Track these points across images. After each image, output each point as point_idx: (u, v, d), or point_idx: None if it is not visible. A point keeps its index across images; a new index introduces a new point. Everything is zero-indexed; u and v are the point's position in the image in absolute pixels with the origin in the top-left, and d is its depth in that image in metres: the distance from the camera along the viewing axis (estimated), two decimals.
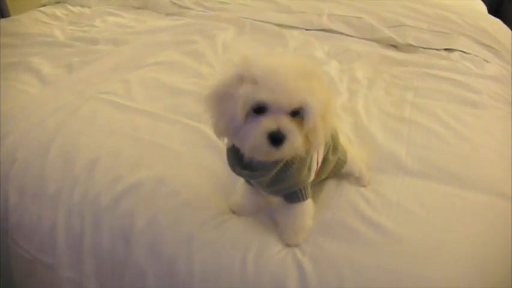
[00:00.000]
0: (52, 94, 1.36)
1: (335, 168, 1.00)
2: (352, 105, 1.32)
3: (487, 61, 1.63)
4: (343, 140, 1.02)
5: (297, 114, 0.75)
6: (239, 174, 0.87)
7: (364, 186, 1.02)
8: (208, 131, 1.17)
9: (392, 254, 0.87)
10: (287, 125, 0.74)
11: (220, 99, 0.78)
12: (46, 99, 1.33)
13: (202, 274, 0.88)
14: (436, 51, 1.68)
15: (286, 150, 0.75)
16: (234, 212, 0.97)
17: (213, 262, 0.89)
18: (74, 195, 1.03)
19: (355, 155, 1.04)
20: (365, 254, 0.87)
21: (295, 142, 0.75)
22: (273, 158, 0.80)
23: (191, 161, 1.08)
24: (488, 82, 1.48)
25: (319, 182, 1.00)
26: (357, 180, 1.03)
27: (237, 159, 0.85)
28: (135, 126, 1.20)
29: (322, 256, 0.87)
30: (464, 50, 1.66)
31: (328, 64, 1.55)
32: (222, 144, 0.88)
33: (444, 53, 1.66)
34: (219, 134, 0.81)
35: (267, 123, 0.74)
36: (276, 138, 0.73)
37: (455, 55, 1.64)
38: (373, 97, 1.36)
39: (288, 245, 0.90)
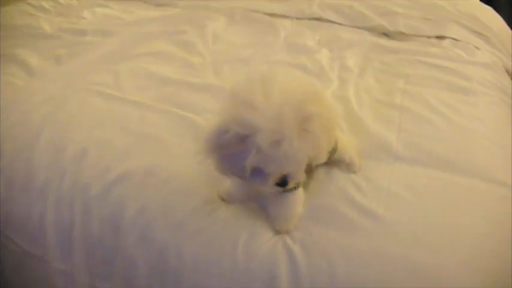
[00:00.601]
0: (39, 86, 1.34)
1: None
2: (343, 93, 1.31)
3: (478, 48, 1.63)
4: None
5: None
6: None
7: (354, 172, 1.01)
8: (198, 120, 1.16)
9: (383, 240, 0.86)
10: (291, 174, 0.79)
11: (222, 153, 0.78)
12: (33, 91, 1.31)
13: (192, 262, 0.88)
14: (427, 38, 1.67)
15: (293, 184, 0.82)
16: (224, 200, 0.96)
17: (204, 250, 0.88)
18: (63, 186, 1.02)
19: (346, 142, 1.03)
20: (356, 240, 0.87)
21: (299, 178, 0.82)
22: None
23: (181, 150, 1.08)
24: (479, 69, 1.48)
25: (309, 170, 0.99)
26: (348, 167, 1.02)
27: None
28: (124, 117, 1.19)
29: (313, 243, 0.87)
30: (456, 38, 1.66)
31: (319, 53, 1.54)
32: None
33: (435, 41, 1.66)
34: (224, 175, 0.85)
35: (272, 179, 0.78)
36: (283, 183, 0.79)
37: (446, 42, 1.64)
38: (364, 85, 1.36)
39: (278, 232, 0.90)
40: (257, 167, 0.76)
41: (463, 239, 0.87)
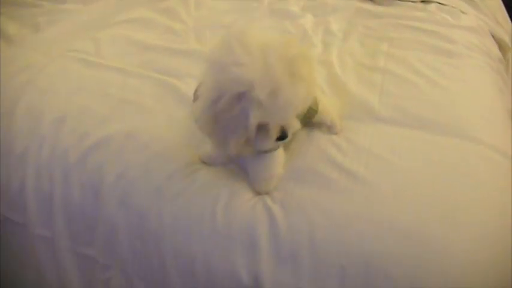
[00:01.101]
0: (18, 54, 1.31)
1: (306, 118, 0.98)
2: (326, 57, 1.29)
3: (463, 12, 1.60)
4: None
5: None
6: None
7: (335, 134, 1.01)
8: (179, 84, 1.15)
9: (364, 200, 0.87)
10: (290, 124, 0.80)
11: (220, 119, 0.77)
12: (11, 59, 1.28)
13: (172, 224, 0.88)
14: (412, 3, 1.64)
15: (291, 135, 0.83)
16: (204, 163, 0.96)
17: (183, 212, 0.88)
18: (42, 153, 1.02)
19: (327, 104, 1.02)
20: (336, 200, 0.87)
21: (296, 127, 0.82)
22: None
23: (161, 114, 1.07)
24: (464, 32, 1.46)
25: None
26: (329, 129, 1.02)
27: None
28: (104, 83, 1.17)
29: (293, 203, 0.87)
30: (441, 2, 1.63)
31: (303, 18, 1.51)
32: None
33: (420, 5, 1.63)
34: (226, 150, 0.82)
35: (274, 131, 0.79)
36: (283, 135, 0.81)
37: (431, 6, 1.61)
38: (348, 49, 1.34)
39: (258, 193, 0.90)
40: (260, 123, 0.75)
41: (445, 198, 0.88)
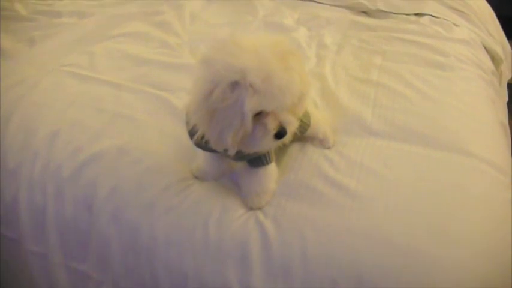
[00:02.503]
0: (12, 68, 1.32)
1: (298, 132, 0.98)
2: (320, 70, 1.30)
3: (456, 25, 1.62)
4: (307, 104, 1.00)
5: None
6: (204, 149, 0.87)
7: (328, 148, 1.01)
8: (172, 98, 1.15)
9: (355, 214, 0.87)
10: (287, 118, 0.79)
11: (215, 113, 0.75)
12: (5, 73, 1.28)
13: (165, 239, 0.88)
14: (405, 16, 1.67)
15: (290, 136, 0.82)
16: (196, 178, 0.96)
17: (176, 227, 0.88)
18: (35, 167, 1.02)
19: (320, 117, 1.03)
20: (328, 215, 0.87)
21: (295, 125, 0.81)
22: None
23: (154, 129, 1.07)
24: (457, 45, 1.47)
25: (283, 145, 0.99)
26: (321, 143, 1.02)
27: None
28: (97, 97, 1.18)
29: (285, 218, 0.87)
30: (434, 14, 1.65)
31: (296, 31, 1.53)
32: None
33: (414, 18, 1.65)
34: (223, 147, 0.79)
35: (272, 125, 0.77)
36: (281, 134, 0.78)
37: (424, 19, 1.63)
38: (341, 62, 1.35)
39: (251, 209, 0.90)
40: (257, 111, 0.75)
41: (436, 212, 0.87)
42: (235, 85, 0.72)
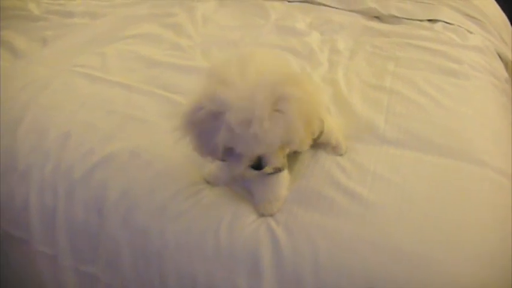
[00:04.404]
0: (24, 68, 1.32)
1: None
2: (332, 75, 1.29)
3: (470, 32, 1.61)
4: (321, 109, 1.00)
5: None
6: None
7: (340, 155, 1.00)
8: (183, 101, 1.15)
9: (368, 223, 0.86)
10: (266, 156, 0.77)
11: (196, 130, 0.77)
12: (17, 73, 1.29)
13: (175, 244, 0.87)
14: (419, 22, 1.65)
15: (270, 169, 0.81)
16: (208, 183, 0.95)
17: (186, 232, 0.87)
18: (46, 169, 1.01)
19: (333, 124, 1.02)
20: (340, 223, 0.86)
21: (276, 163, 0.79)
22: None
23: (165, 132, 1.05)
24: (471, 53, 1.46)
25: (295, 152, 0.98)
26: (333, 150, 1.01)
27: None
28: (109, 99, 1.18)
29: (297, 225, 0.86)
30: (448, 21, 1.64)
31: (309, 35, 1.52)
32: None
33: (427, 24, 1.64)
34: (204, 156, 0.82)
35: (246, 160, 0.77)
36: (259, 165, 0.78)
37: (438, 26, 1.61)
38: (354, 68, 1.34)
39: (262, 215, 0.89)
40: (229, 147, 0.74)
41: (449, 222, 0.86)
42: (217, 115, 0.72)
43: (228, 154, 0.77)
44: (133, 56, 1.38)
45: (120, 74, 1.29)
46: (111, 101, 1.17)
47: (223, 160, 0.82)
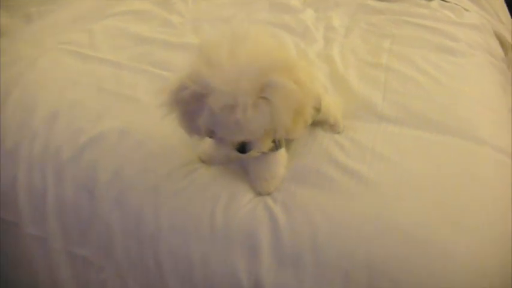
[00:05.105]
0: (8, 45, 1.27)
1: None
2: (328, 52, 1.26)
3: (466, 10, 1.58)
4: (317, 87, 0.97)
5: None
6: None
7: (338, 133, 0.99)
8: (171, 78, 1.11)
9: (366, 200, 0.85)
10: (251, 141, 0.75)
11: (181, 109, 0.75)
12: (2, 50, 1.24)
13: (169, 225, 0.85)
14: None
15: (256, 153, 0.78)
16: (203, 162, 0.93)
17: (181, 213, 0.85)
18: (34, 149, 0.98)
19: (330, 102, 1.00)
20: (339, 201, 0.85)
21: (261, 147, 0.77)
22: None
23: (157, 110, 1.03)
24: (468, 30, 1.43)
25: None
26: (331, 128, 0.99)
27: None
28: (98, 77, 1.14)
29: (295, 204, 0.84)
30: None
31: (303, 12, 1.48)
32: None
33: (423, 2, 1.60)
34: (188, 134, 0.79)
35: (230, 143, 0.75)
36: (243, 149, 0.76)
37: (434, 3, 1.58)
38: (350, 45, 1.31)
39: (259, 194, 0.87)
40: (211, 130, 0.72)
41: (449, 200, 0.85)
42: (200, 97, 0.69)
43: (213, 135, 0.75)
44: (123, 33, 1.34)
45: (109, 52, 1.24)
46: (101, 79, 1.13)
47: (210, 137, 0.79)
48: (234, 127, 0.68)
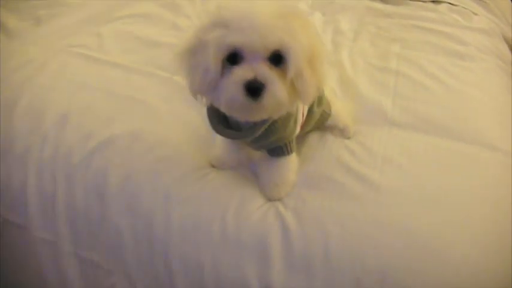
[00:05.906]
0: (18, 48, 1.27)
1: (319, 121, 0.96)
2: (337, 57, 1.26)
3: (475, 13, 1.57)
4: (327, 92, 0.97)
5: (279, 62, 0.68)
6: (221, 133, 0.82)
7: (348, 138, 0.98)
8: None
9: (378, 207, 0.84)
10: (265, 72, 0.66)
11: (194, 53, 0.71)
12: (11, 53, 1.24)
13: (180, 231, 0.85)
14: (422, 3, 1.61)
15: (267, 103, 0.67)
16: (213, 166, 0.93)
17: (192, 218, 0.85)
18: (44, 152, 0.98)
19: (340, 107, 1.00)
20: (350, 207, 0.84)
21: (276, 92, 0.67)
22: (254, 117, 0.73)
23: (167, 114, 1.03)
24: (476, 34, 1.43)
25: (302, 135, 0.96)
26: (341, 133, 0.99)
27: (219, 118, 0.80)
28: (108, 80, 1.14)
29: (306, 210, 0.84)
30: (452, 2, 1.60)
31: (311, 15, 1.48)
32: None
33: (431, 5, 1.60)
34: (195, 91, 0.74)
35: (243, 72, 0.67)
36: (254, 88, 0.66)
37: (442, 7, 1.58)
38: (358, 49, 1.31)
39: (270, 199, 0.87)
40: (226, 49, 0.67)
41: (459, 205, 0.85)
42: (213, 27, 0.68)
43: (223, 76, 0.69)
44: (131, 36, 1.33)
45: (118, 55, 1.24)
46: (110, 82, 1.13)
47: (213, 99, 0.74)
48: (249, 28, 0.65)
